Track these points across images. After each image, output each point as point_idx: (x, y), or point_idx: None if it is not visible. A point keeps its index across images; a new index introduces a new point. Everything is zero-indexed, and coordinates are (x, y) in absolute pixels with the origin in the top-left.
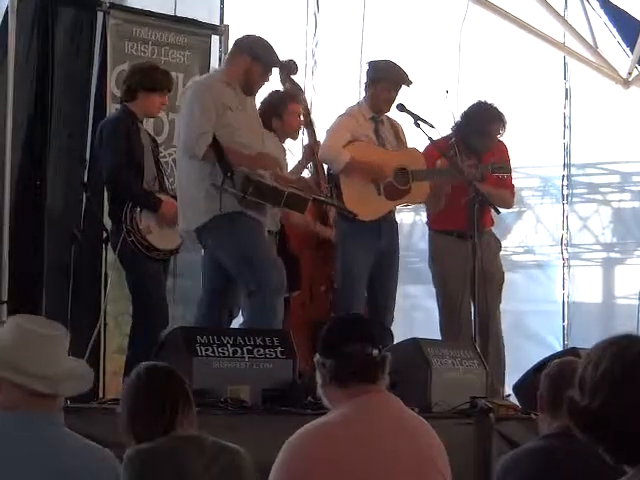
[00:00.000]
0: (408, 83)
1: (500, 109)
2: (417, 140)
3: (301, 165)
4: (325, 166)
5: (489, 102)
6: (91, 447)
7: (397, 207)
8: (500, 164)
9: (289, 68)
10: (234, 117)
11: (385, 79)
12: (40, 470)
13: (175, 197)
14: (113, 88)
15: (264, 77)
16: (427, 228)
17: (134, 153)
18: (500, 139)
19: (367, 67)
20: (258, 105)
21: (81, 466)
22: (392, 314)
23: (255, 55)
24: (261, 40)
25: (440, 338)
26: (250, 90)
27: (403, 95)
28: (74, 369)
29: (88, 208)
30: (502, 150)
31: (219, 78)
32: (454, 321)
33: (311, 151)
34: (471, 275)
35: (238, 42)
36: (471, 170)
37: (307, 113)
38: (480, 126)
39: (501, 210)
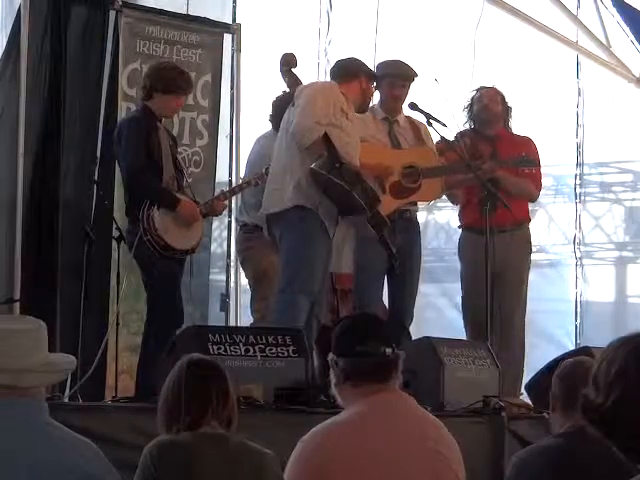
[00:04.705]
0: (412, 77)
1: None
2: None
3: None
4: None
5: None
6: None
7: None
8: (522, 158)
9: (289, 62)
10: (346, 123)
11: (387, 75)
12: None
13: (192, 198)
14: (125, 86)
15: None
16: (440, 226)
17: (153, 152)
18: (526, 136)
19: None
20: (270, 107)
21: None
22: (411, 314)
23: (368, 74)
24: (360, 60)
25: (451, 337)
26: (366, 107)
27: (417, 94)
28: (46, 362)
29: (99, 206)
30: (528, 145)
31: (338, 86)
32: (475, 318)
33: None
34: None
35: (346, 68)
36: (481, 167)
37: None
38: (470, 97)
39: (524, 201)
